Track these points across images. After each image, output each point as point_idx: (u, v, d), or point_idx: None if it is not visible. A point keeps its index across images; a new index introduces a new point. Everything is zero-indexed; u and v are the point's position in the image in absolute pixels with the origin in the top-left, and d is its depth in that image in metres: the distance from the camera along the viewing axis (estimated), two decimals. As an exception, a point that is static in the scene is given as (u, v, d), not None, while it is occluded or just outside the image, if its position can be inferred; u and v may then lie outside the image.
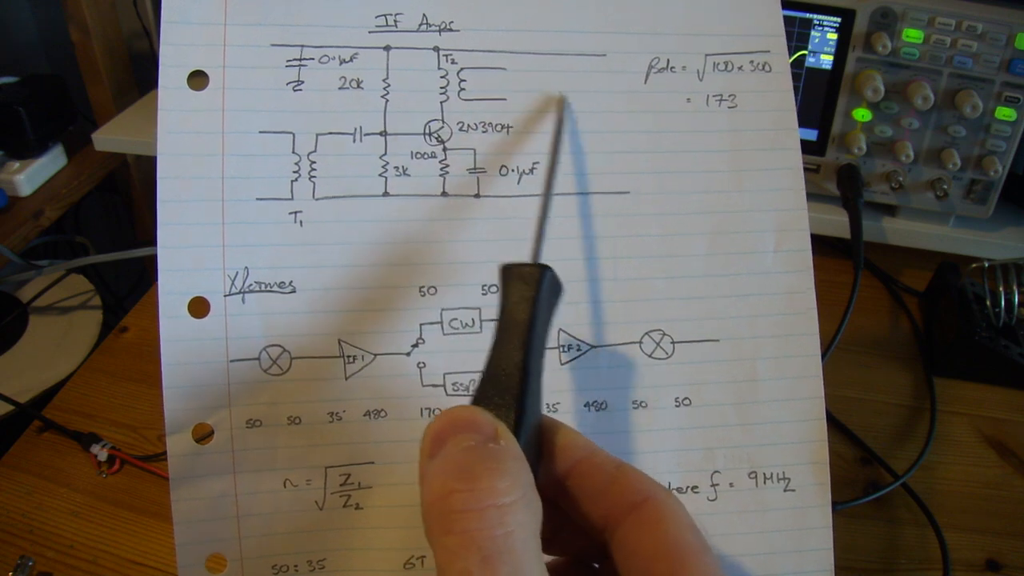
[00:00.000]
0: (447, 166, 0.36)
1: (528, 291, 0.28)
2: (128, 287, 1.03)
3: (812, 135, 0.65)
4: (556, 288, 0.30)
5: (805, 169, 0.66)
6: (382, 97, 0.36)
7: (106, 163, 0.89)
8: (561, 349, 0.36)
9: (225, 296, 0.35)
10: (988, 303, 0.61)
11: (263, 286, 0.35)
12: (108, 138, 0.78)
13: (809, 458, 0.37)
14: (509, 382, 0.26)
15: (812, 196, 0.67)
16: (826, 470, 0.37)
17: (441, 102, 0.36)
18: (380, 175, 0.36)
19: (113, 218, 1.07)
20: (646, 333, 0.37)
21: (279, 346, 0.35)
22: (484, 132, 0.36)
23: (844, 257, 0.73)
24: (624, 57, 0.37)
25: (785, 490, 0.37)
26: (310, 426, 0.35)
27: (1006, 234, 0.67)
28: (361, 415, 0.36)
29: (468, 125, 0.36)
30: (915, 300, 0.69)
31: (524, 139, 0.36)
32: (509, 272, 0.29)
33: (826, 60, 0.62)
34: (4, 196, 0.79)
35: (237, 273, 0.35)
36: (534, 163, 0.36)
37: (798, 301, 0.37)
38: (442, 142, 0.36)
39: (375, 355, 0.36)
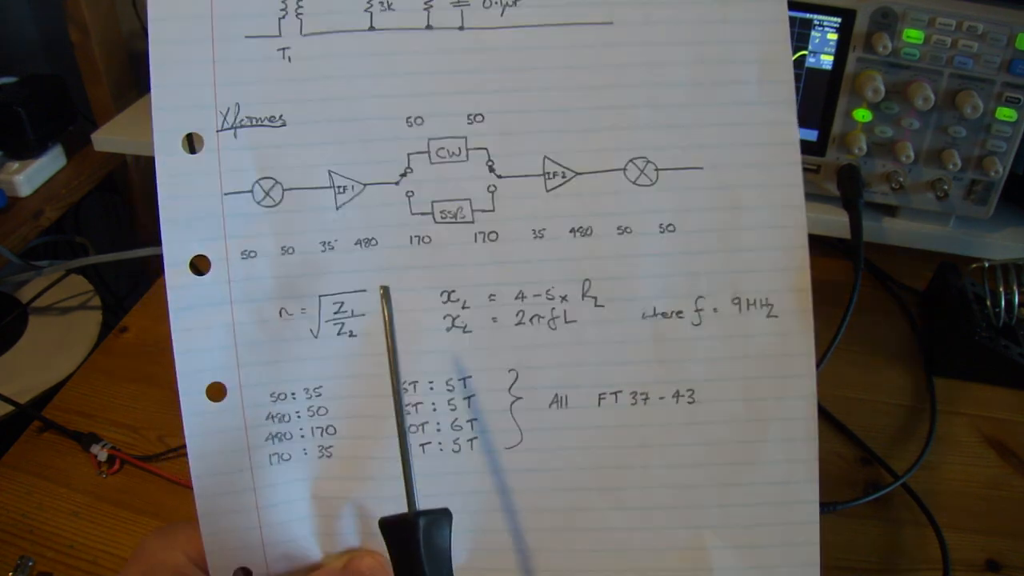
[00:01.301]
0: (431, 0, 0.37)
1: (409, 549, 0.30)
2: (128, 287, 1.03)
3: (812, 135, 0.65)
4: (439, 524, 0.31)
5: (805, 170, 0.67)
6: None
7: (106, 163, 0.89)
8: (546, 176, 0.37)
9: (217, 131, 0.36)
10: (988, 303, 0.61)
11: (254, 120, 0.36)
12: (108, 138, 0.78)
13: (791, 285, 0.37)
14: None
15: (812, 196, 0.67)
16: (808, 297, 0.37)
17: None
18: (366, 10, 0.37)
19: (113, 218, 1.07)
20: (630, 160, 0.37)
21: (271, 178, 0.36)
22: None
23: (844, 257, 0.73)
24: None
25: (768, 316, 0.37)
26: (303, 255, 0.37)
27: (1006, 234, 0.67)
28: (352, 244, 0.37)
29: None
30: (915, 300, 0.69)
31: None
32: (386, 530, 0.31)
33: (826, 60, 0.62)
34: (4, 196, 0.79)
35: (228, 109, 0.36)
36: None
37: (780, 132, 0.37)
38: None
39: (364, 184, 0.37)
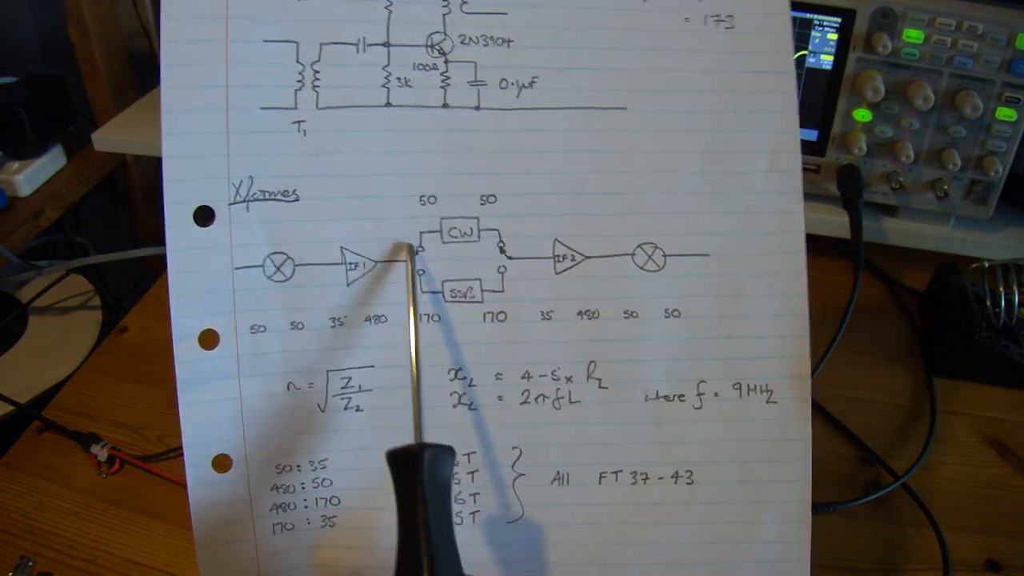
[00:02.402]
0: (448, 78, 0.37)
1: (414, 478, 0.31)
2: (128, 287, 1.03)
3: (812, 135, 0.65)
4: (443, 458, 0.32)
5: (805, 170, 0.67)
6: (385, 8, 0.36)
7: (106, 163, 0.89)
8: (556, 259, 0.37)
9: (230, 205, 0.36)
10: (988, 303, 0.61)
11: (267, 194, 0.36)
12: (108, 138, 0.78)
13: (791, 372, 0.38)
14: None
15: (812, 196, 0.67)
16: (807, 384, 0.38)
17: (443, 14, 0.37)
18: (383, 86, 0.36)
19: (113, 218, 1.07)
20: (639, 245, 0.38)
21: (282, 253, 0.36)
22: (485, 45, 0.37)
23: (844, 257, 0.73)
24: None
25: (767, 402, 0.38)
26: (312, 331, 0.37)
27: (1006, 234, 0.67)
28: (362, 320, 0.37)
29: (469, 38, 0.37)
30: (915, 300, 0.69)
31: (525, 53, 0.37)
32: (391, 461, 0.32)
33: (826, 60, 0.62)
34: (4, 196, 0.79)
35: (241, 182, 0.36)
36: (534, 77, 0.37)
37: (787, 221, 0.38)
38: (444, 54, 0.37)
39: (376, 262, 0.37)
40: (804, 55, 0.63)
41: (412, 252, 0.35)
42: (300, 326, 0.37)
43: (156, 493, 0.51)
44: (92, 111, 0.89)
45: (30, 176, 0.82)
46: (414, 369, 0.34)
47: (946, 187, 0.63)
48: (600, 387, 0.38)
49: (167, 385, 0.59)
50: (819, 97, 0.64)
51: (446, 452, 0.32)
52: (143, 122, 0.79)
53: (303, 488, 0.37)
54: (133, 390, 0.59)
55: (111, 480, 0.52)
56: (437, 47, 0.37)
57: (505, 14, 0.37)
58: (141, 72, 0.91)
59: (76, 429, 0.54)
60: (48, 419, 0.55)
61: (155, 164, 0.92)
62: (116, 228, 1.08)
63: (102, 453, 0.52)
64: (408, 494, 0.31)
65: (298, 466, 0.37)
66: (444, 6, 0.37)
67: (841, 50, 0.62)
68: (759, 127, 0.38)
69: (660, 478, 0.38)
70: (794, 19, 0.62)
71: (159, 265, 0.73)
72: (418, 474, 0.31)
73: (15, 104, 0.79)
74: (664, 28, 0.37)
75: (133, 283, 1.03)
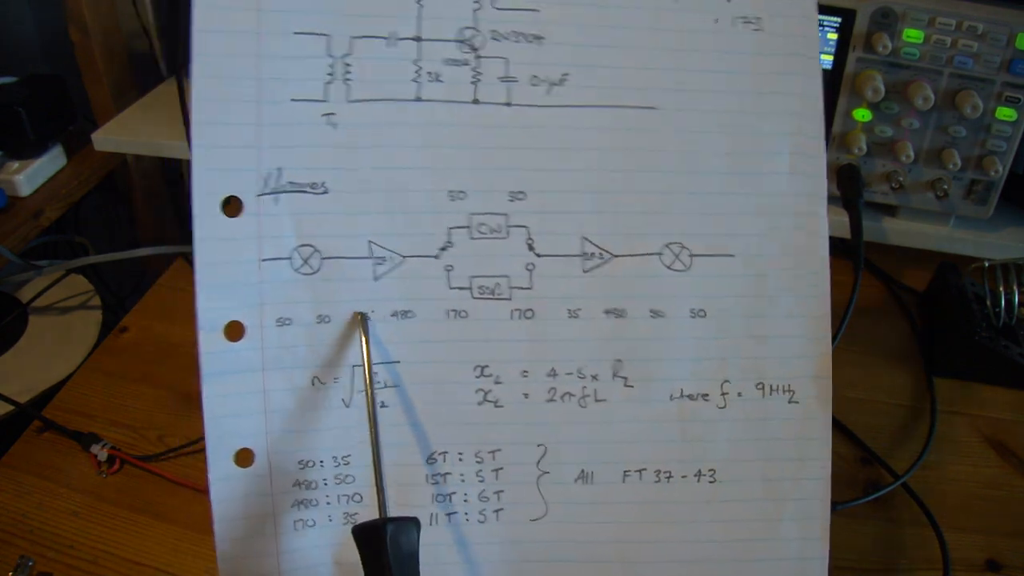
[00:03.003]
0: (479, 74, 0.37)
1: (379, 553, 0.32)
2: (128, 287, 1.03)
3: (812, 135, 0.65)
4: (407, 531, 0.33)
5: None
6: (417, 2, 0.36)
7: (106, 163, 0.89)
8: (584, 257, 0.38)
9: (258, 196, 0.35)
10: (988, 303, 0.61)
11: (296, 186, 0.36)
12: (108, 138, 0.78)
13: (813, 372, 0.38)
14: None
15: (812, 196, 0.67)
16: (828, 385, 0.38)
17: (475, 10, 0.36)
18: (413, 80, 0.36)
19: (113, 218, 1.07)
20: (666, 245, 0.38)
21: (310, 246, 0.36)
22: (516, 42, 0.37)
23: (844, 257, 0.73)
24: None
25: (789, 401, 0.38)
26: (339, 325, 0.37)
27: (1006, 234, 0.67)
28: (389, 315, 0.37)
29: (501, 34, 0.37)
30: (915, 300, 0.69)
31: (555, 50, 0.37)
32: (357, 537, 0.33)
33: (826, 60, 0.62)
34: (4, 196, 0.79)
35: (271, 173, 0.36)
36: (564, 74, 0.37)
37: (810, 222, 0.38)
38: (475, 50, 0.37)
39: (404, 257, 0.37)
40: (804, 55, 0.63)
41: (365, 321, 0.35)
42: (327, 320, 0.37)
43: (156, 493, 0.51)
44: (92, 111, 0.89)
45: (30, 176, 0.82)
46: (374, 445, 0.35)
47: (946, 187, 0.63)
48: (626, 386, 0.38)
49: (167, 385, 0.60)
50: (819, 97, 0.64)
51: (410, 524, 0.33)
52: (143, 122, 0.79)
53: (325, 484, 0.37)
54: (133, 390, 0.59)
55: (111, 480, 0.52)
56: (468, 42, 0.37)
57: (536, 11, 0.37)
58: (141, 72, 0.91)
59: (76, 429, 0.54)
60: (48, 419, 0.55)
61: (155, 164, 0.93)
62: (116, 228, 1.08)
63: (102, 453, 0.52)
64: (374, 568, 0.32)
65: (321, 462, 0.37)
66: (475, 1, 0.36)
67: (841, 50, 0.62)
68: (784, 129, 0.38)
69: (683, 477, 0.38)
70: (794, 19, 0.62)
71: (159, 265, 0.74)
72: (383, 548, 0.32)
73: (15, 104, 0.78)
74: (693, 29, 0.38)
75: (133, 283, 1.03)
